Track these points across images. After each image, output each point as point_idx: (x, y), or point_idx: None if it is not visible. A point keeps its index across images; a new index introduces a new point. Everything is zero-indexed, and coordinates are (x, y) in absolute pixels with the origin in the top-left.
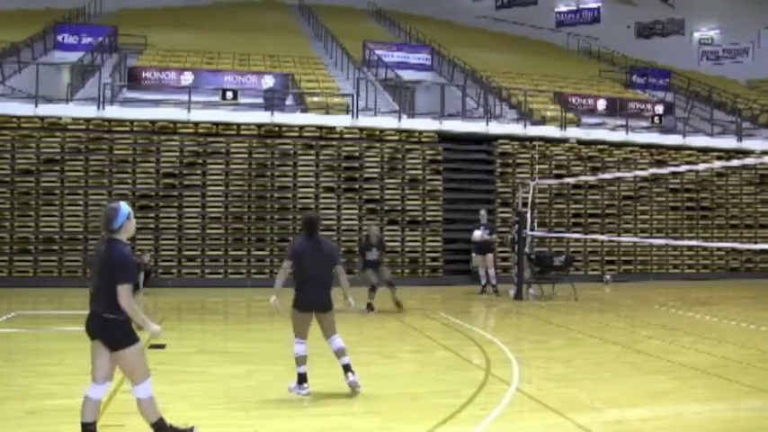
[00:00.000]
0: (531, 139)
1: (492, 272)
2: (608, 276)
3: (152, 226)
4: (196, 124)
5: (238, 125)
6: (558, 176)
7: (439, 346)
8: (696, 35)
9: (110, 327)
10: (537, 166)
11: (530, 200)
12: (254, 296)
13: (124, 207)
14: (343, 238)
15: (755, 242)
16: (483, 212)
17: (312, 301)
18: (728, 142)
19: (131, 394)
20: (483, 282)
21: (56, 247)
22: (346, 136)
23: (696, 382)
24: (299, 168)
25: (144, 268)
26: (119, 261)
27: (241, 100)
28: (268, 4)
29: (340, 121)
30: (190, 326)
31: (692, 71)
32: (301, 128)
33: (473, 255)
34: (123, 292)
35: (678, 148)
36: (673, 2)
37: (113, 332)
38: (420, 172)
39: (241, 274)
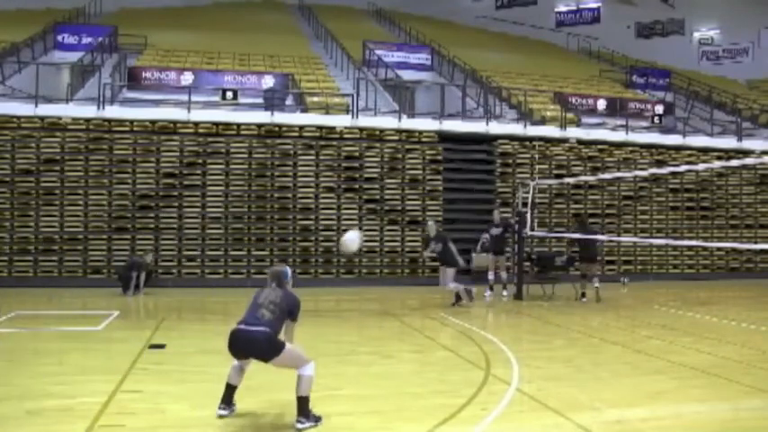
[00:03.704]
0: (531, 139)
1: (491, 275)
2: (625, 278)
3: (152, 226)
4: (196, 124)
5: (238, 125)
6: (558, 176)
7: (439, 346)
8: (696, 35)
9: (271, 339)
10: (537, 166)
11: (530, 200)
12: None
13: (288, 270)
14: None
15: (755, 242)
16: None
17: None
18: (728, 142)
19: (300, 372)
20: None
21: (56, 248)
22: (346, 136)
23: (696, 382)
24: (299, 168)
25: (146, 268)
26: (296, 304)
27: (241, 100)
28: (268, 4)
29: (340, 121)
30: (190, 326)
31: (692, 71)
32: (301, 128)
33: (486, 255)
34: (292, 326)
35: (678, 148)
36: (673, 2)
37: (274, 343)
38: (420, 172)
39: (241, 274)
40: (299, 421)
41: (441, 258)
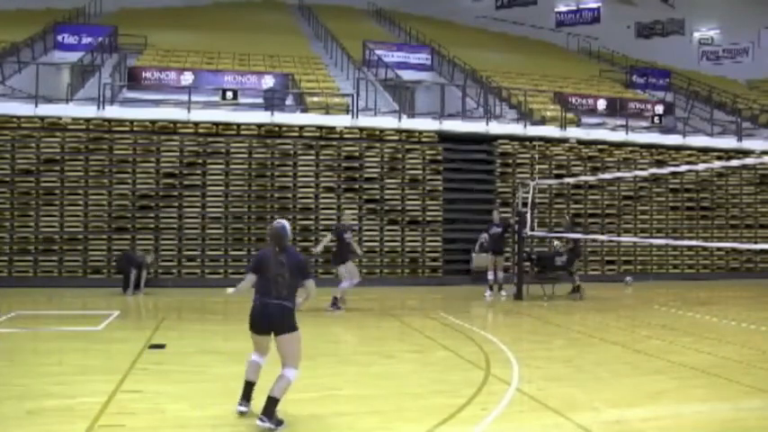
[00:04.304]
0: (531, 139)
1: (491, 275)
2: (629, 278)
3: (152, 226)
4: (196, 124)
5: (238, 125)
6: (558, 176)
7: (439, 346)
8: (696, 35)
9: (289, 314)
10: (537, 166)
11: (530, 200)
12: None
13: (286, 225)
14: None
15: (755, 242)
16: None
17: None
18: (728, 142)
19: (284, 371)
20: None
21: (56, 247)
22: (346, 136)
23: (696, 382)
24: (299, 168)
25: (146, 267)
26: (303, 264)
27: (241, 100)
28: (268, 4)
29: (340, 121)
30: (190, 326)
31: (692, 71)
32: (301, 128)
33: (485, 255)
34: (311, 283)
35: (678, 148)
36: (673, 2)
37: (288, 318)
38: (420, 172)
39: (241, 274)
40: (260, 419)
41: (335, 253)
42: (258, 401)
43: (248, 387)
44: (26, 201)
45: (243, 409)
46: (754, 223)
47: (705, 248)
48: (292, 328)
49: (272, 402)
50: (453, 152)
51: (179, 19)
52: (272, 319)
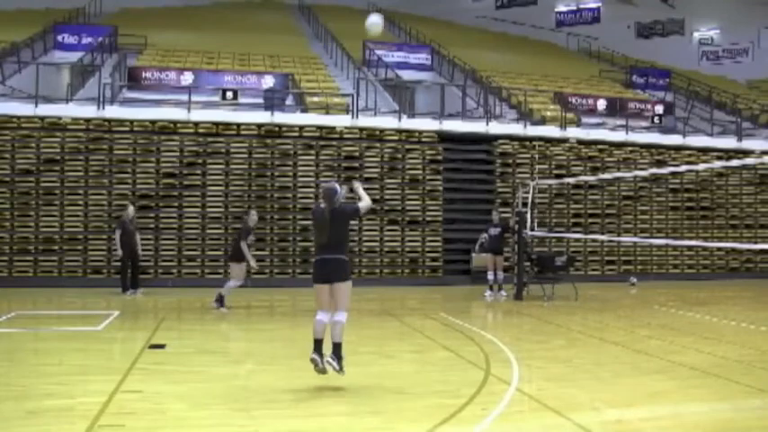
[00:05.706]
0: (531, 139)
1: (491, 275)
2: (634, 278)
3: (152, 226)
4: (196, 124)
5: (238, 125)
6: (558, 176)
7: (439, 346)
8: (696, 35)
9: (343, 265)
10: (537, 166)
11: (530, 200)
12: (254, 296)
13: (337, 188)
14: None
15: (755, 242)
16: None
17: None
18: (728, 142)
19: (335, 317)
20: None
21: (56, 247)
22: (346, 136)
23: (696, 382)
24: (299, 168)
25: (132, 223)
26: (352, 210)
27: (241, 100)
28: (268, 4)
29: (340, 121)
30: (190, 326)
31: (692, 71)
32: (301, 128)
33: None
34: (366, 207)
35: (678, 148)
36: (673, 2)
37: (344, 269)
38: (420, 172)
39: None
40: (330, 357)
41: (233, 248)
42: (245, 404)
43: (317, 344)
44: (26, 201)
45: (315, 356)
46: (754, 223)
47: (705, 248)
48: (346, 278)
49: (338, 347)
50: (453, 152)
51: (179, 19)
52: (330, 271)
